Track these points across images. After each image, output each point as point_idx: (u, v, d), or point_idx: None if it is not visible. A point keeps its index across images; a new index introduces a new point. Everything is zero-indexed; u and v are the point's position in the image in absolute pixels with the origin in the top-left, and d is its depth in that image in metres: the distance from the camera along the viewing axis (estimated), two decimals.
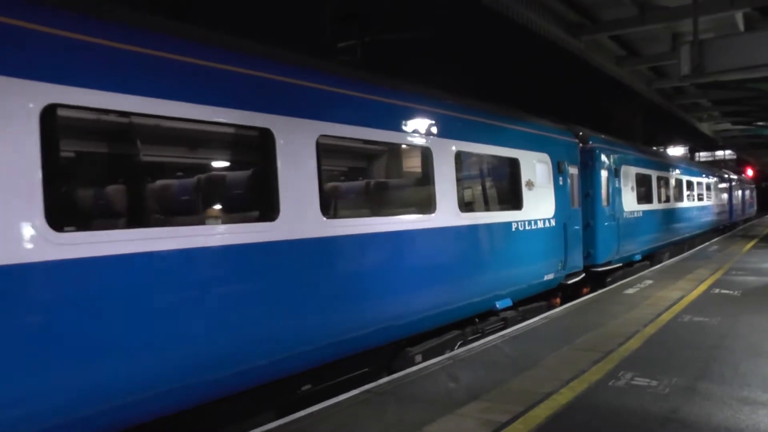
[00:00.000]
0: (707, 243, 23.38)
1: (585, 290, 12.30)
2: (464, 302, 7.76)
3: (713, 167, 34.24)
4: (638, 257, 15.60)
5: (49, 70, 3.76)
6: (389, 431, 4.67)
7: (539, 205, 9.68)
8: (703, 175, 25.64)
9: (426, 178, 7.17)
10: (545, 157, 10.07)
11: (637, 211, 15.27)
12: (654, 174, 17.19)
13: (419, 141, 7.04)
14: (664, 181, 18.36)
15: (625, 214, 14.22)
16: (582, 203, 12.02)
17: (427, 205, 7.10)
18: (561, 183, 10.56)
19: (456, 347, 7.68)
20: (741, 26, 17.00)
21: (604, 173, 13.11)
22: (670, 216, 18.96)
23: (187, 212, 5.03)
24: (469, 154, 8.03)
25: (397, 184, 7.52)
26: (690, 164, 25.87)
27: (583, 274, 11.85)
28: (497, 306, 8.52)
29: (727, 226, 31.90)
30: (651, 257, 17.02)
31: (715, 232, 28.22)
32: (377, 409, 5.16)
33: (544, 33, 16.84)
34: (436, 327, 7.48)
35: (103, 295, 3.95)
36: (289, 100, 5.42)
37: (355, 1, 17.10)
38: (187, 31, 4.94)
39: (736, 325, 8.03)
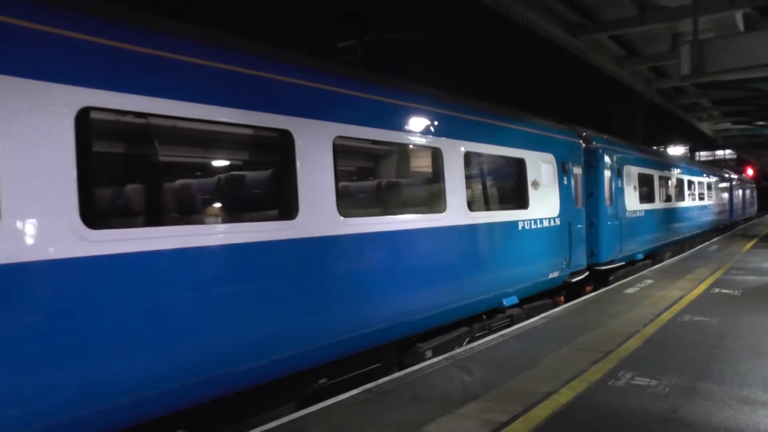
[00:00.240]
0: (707, 242, 23.38)
1: (588, 288, 12.42)
2: (473, 299, 7.95)
3: (713, 167, 34.24)
4: (640, 256, 15.71)
5: (83, 74, 3.92)
6: (389, 431, 4.68)
7: (545, 204, 9.83)
8: (704, 175, 25.67)
9: (436, 178, 7.37)
10: (550, 157, 10.20)
11: (639, 211, 15.39)
12: (655, 174, 17.30)
13: (430, 142, 7.23)
14: (665, 181, 18.47)
15: (627, 214, 14.34)
16: (586, 203, 12.17)
17: (438, 205, 7.30)
18: (565, 183, 10.68)
19: (464, 343, 7.82)
20: (741, 26, 16.99)
21: (607, 173, 13.24)
22: (671, 215, 19.06)
23: (212, 211, 5.21)
24: (478, 155, 8.19)
25: (408, 184, 7.70)
26: (691, 164, 25.90)
27: (587, 273, 11.98)
28: (504, 303, 8.68)
29: (727, 226, 31.93)
30: (653, 256, 17.10)
31: (715, 231, 28.24)
32: (377, 408, 5.16)
33: (544, 33, 16.84)
34: (445, 323, 7.63)
35: (134, 290, 4.12)
36: (307, 102, 5.61)
37: (355, 1, 17.09)
38: (216, 38, 5.13)
39: (736, 324, 8.03)
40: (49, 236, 3.67)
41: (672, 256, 18.92)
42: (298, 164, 5.37)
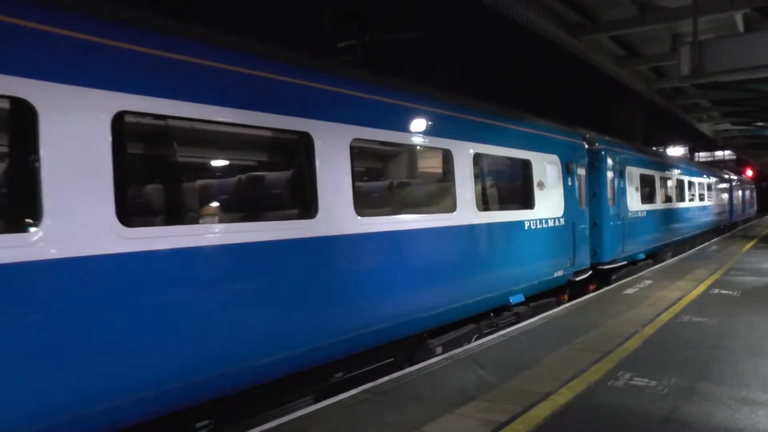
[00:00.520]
0: (707, 243, 23.39)
1: (591, 287, 12.57)
2: (482, 297, 8.16)
3: (713, 167, 34.27)
4: (642, 256, 15.84)
5: (119, 80, 4.12)
6: (389, 431, 4.68)
7: (550, 204, 10.02)
8: (704, 176, 25.72)
9: (447, 178, 7.59)
10: (555, 158, 10.38)
11: (641, 211, 15.53)
12: (657, 175, 17.44)
13: (441, 144, 7.43)
14: (666, 182, 18.57)
15: (629, 214, 14.50)
16: (589, 203, 12.34)
17: (449, 205, 7.50)
18: (570, 183, 10.87)
19: (473, 340, 7.99)
20: (741, 27, 17.00)
21: (610, 174, 13.40)
22: (672, 216, 19.19)
23: (237, 210, 5.41)
24: (486, 156, 8.38)
25: (420, 185, 7.98)
26: (691, 165, 25.96)
27: (590, 272, 12.12)
28: (511, 301, 8.87)
29: (727, 226, 31.97)
30: (654, 256, 17.22)
31: (715, 231, 28.27)
32: (377, 408, 5.16)
33: (544, 33, 16.84)
34: (455, 320, 7.83)
35: (165, 285, 4.33)
36: (325, 105, 5.81)
37: (355, 1, 17.09)
38: (246, 45, 5.34)
39: (735, 325, 8.04)
40: (89, 234, 3.86)
41: (673, 256, 18.99)
42: (317, 165, 5.57)
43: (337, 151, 5.80)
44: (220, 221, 5.04)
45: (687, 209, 21.51)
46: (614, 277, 13.57)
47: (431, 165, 7.84)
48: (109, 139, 4.01)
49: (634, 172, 15.06)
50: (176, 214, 4.82)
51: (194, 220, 4.85)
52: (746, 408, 4.91)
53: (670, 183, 19.13)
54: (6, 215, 3.71)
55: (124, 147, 4.12)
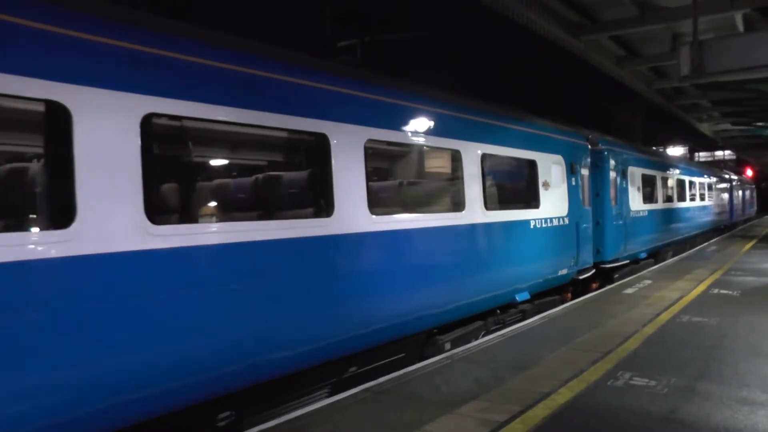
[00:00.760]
0: (706, 243, 23.40)
1: (594, 285, 12.71)
2: (490, 294, 8.36)
3: (714, 168, 34.28)
4: (643, 255, 15.98)
5: (147, 83, 4.30)
6: (388, 430, 4.68)
7: (555, 204, 10.20)
8: (705, 176, 25.78)
9: (456, 178, 7.80)
10: (559, 159, 10.55)
11: (643, 211, 15.70)
12: (658, 175, 17.58)
13: (450, 144, 7.64)
14: (667, 182, 18.65)
15: (631, 214, 14.68)
16: (592, 203, 12.50)
17: (457, 204, 7.72)
18: (574, 183, 11.05)
19: (480, 336, 8.17)
20: (741, 27, 16.99)
21: (612, 174, 13.56)
22: (673, 215, 19.34)
23: (258, 208, 5.55)
24: (493, 156, 8.54)
25: (430, 184, 8.19)
26: (691, 165, 26.01)
27: (593, 270, 12.26)
28: (517, 299, 9.06)
29: (727, 226, 32.01)
30: (655, 255, 17.34)
31: (716, 231, 28.29)
32: (377, 408, 5.17)
33: (544, 33, 16.84)
34: (464, 317, 8.02)
35: (191, 280, 4.51)
36: (341, 107, 6.00)
37: (355, 1, 17.09)
38: (269, 51, 5.53)
39: (735, 325, 8.04)
40: (120, 231, 4.04)
41: (673, 255, 19.06)
42: (333, 165, 5.76)
43: (352, 152, 6.00)
44: (242, 219, 5.19)
45: (688, 209, 21.62)
46: (617, 275, 13.72)
47: (441, 165, 8.03)
48: (138, 139, 4.18)
49: (636, 173, 15.21)
50: (200, 212, 5.03)
51: (217, 218, 5.04)
52: (746, 408, 4.91)
53: (671, 183, 19.24)
54: (43, 213, 3.92)
55: (151, 147, 4.29)
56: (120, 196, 4.06)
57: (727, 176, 33.07)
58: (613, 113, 35.45)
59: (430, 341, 7.49)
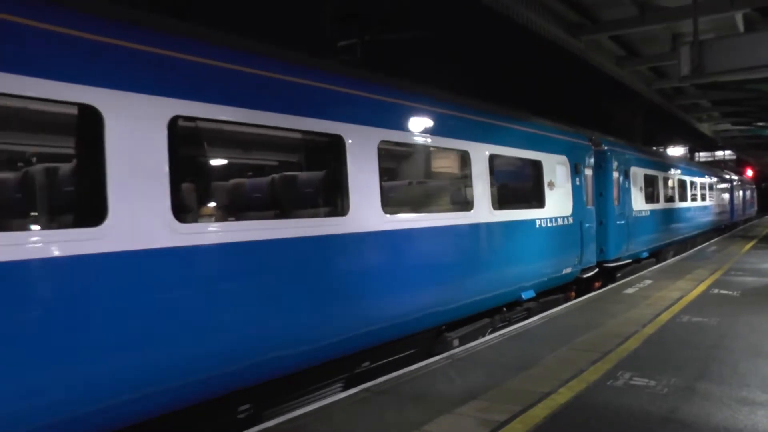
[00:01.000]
0: (707, 243, 23.40)
1: (597, 284, 12.79)
2: (496, 292, 8.49)
3: (714, 168, 34.28)
4: (645, 254, 16.06)
5: (174, 87, 4.45)
6: (388, 430, 4.68)
7: (559, 204, 10.33)
8: (706, 176, 25.80)
9: (465, 178, 7.97)
10: (564, 159, 10.66)
11: (645, 211, 15.82)
12: (660, 175, 17.68)
13: (459, 145, 7.78)
14: (668, 182, 18.73)
15: (634, 213, 14.79)
16: (595, 203, 12.60)
17: (466, 203, 7.86)
18: (578, 183, 11.17)
19: (487, 333, 8.33)
20: (741, 27, 17.00)
21: (615, 174, 13.69)
22: (675, 215, 19.44)
23: (277, 207, 5.73)
24: (501, 157, 8.70)
25: (440, 184, 8.41)
26: (692, 165, 26.04)
27: (597, 269, 12.37)
28: (522, 297, 9.18)
29: (728, 226, 32.03)
30: (657, 254, 17.42)
31: (716, 231, 28.31)
32: (376, 408, 5.16)
33: (544, 33, 16.85)
34: (472, 314, 8.16)
35: (216, 276, 4.67)
36: (356, 109, 6.15)
37: (355, 1, 17.10)
38: (291, 56, 5.68)
39: (735, 325, 8.03)
40: (148, 228, 4.18)
41: (675, 255, 19.10)
42: (348, 165, 5.90)
43: (366, 153, 6.14)
44: (262, 218, 5.36)
45: (689, 209, 21.69)
46: (619, 274, 13.81)
47: (450, 166, 8.24)
48: (166, 141, 4.33)
49: (638, 173, 15.32)
50: (224, 211, 5.23)
51: (239, 217, 5.24)
52: (746, 408, 4.90)
53: (672, 183, 19.32)
54: (76, 212, 4.10)
55: (178, 148, 4.43)
56: (148, 195, 4.20)
57: (727, 176, 33.07)
58: (613, 113, 35.48)
59: (439, 338, 7.61)
